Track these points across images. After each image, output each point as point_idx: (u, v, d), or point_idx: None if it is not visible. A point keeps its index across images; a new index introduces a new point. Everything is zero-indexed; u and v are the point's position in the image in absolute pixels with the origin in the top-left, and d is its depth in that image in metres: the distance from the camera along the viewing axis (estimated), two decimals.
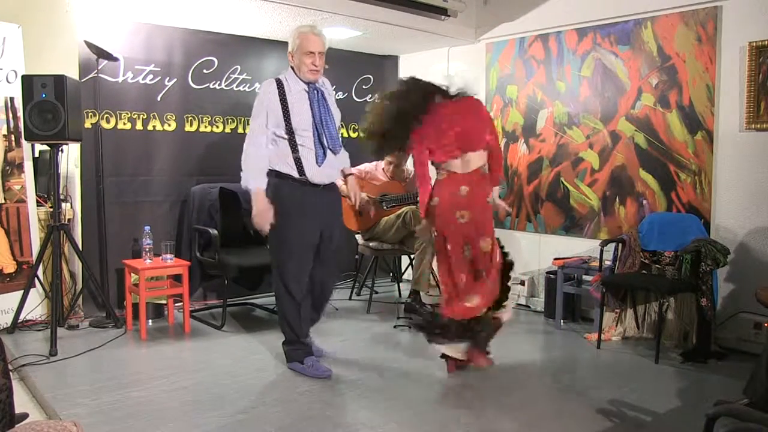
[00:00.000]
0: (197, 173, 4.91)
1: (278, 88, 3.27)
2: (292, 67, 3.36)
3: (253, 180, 3.23)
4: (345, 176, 3.57)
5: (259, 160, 3.25)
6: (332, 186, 3.46)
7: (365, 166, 5.05)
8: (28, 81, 3.82)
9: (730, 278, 4.00)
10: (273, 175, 3.30)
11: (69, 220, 4.35)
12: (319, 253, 3.41)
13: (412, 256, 4.97)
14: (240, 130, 5.10)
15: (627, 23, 4.45)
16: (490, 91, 5.33)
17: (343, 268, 5.79)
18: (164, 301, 4.50)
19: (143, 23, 4.62)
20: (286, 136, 3.25)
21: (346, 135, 5.82)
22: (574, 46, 4.76)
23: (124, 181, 4.63)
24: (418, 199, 4.81)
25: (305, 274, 3.38)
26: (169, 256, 4.28)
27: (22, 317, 4.10)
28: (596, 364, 3.77)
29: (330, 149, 3.33)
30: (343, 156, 3.54)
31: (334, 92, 5.59)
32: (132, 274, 4.29)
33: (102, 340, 3.96)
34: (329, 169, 3.36)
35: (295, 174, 3.27)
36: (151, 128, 4.73)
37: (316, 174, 3.30)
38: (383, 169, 5.03)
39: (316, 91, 3.35)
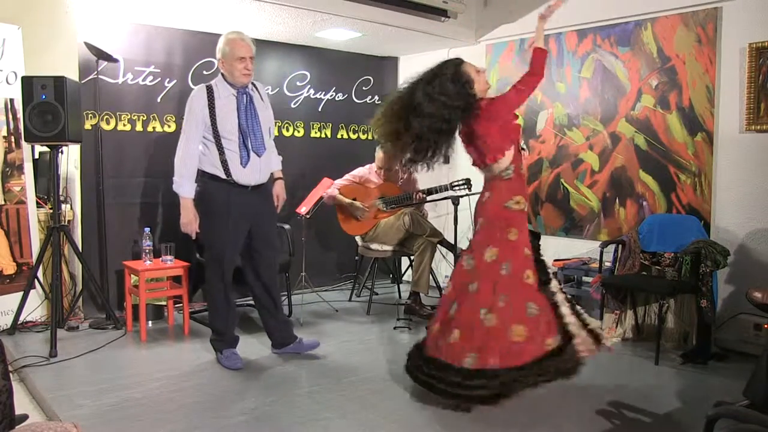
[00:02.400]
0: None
1: (207, 95, 3.45)
2: (222, 74, 3.51)
3: (184, 188, 3.48)
4: (274, 180, 3.76)
5: (191, 167, 3.47)
6: (262, 187, 3.62)
7: (359, 171, 5.06)
8: (27, 82, 3.83)
9: (730, 279, 4.00)
10: (202, 175, 3.51)
11: (69, 221, 4.35)
12: (253, 251, 3.62)
13: (411, 258, 4.97)
14: None
15: (627, 24, 4.45)
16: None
17: (344, 269, 5.82)
18: (164, 303, 4.50)
19: (143, 24, 4.62)
20: (213, 140, 3.44)
21: (346, 136, 5.84)
22: (574, 47, 4.77)
23: (124, 182, 4.63)
24: (415, 199, 4.86)
25: (231, 268, 3.57)
26: (168, 257, 4.28)
27: (22, 318, 4.10)
28: (596, 365, 3.76)
29: (254, 152, 3.48)
30: (274, 159, 3.74)
31: (335, 93, 5.70)
32: (132, 276, 4.29)
33: (102, 342, 3.96)
34: (254, 172, 3.53)
35: (222, 175, 3.46)
36: (151, 129, 4.73)
37: (241, 175, 3.47)
38: (376, 172, 5.04)
39: (244, 96, 3.51)
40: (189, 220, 3.48)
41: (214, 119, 3.41)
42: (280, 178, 3.81)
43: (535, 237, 3.16)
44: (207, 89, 3.46)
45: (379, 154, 5.01)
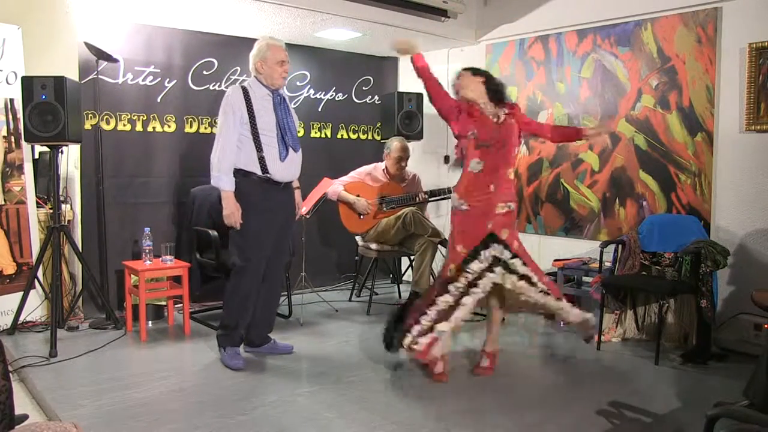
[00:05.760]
0: (197, 174, 4.88)
1: (244, 94, 3.51)
2: (256, 77, 3.60)
3: (224, 181, 3.49)
4: (293, 188, 3.79)
5: (230, 161, 3.49)
6: (289, 185, 3.70)
7: (364, 168, 5.06)
8: (27, 82, 3.83)
9: (730, 280, 4.00)
10: (238, 173, 3.53)
11: (69, 221, 4.35)
12: (273, 247, 3.64)
13: (412, 258, 4.97)
14: None
15: (627, 24, 4.45)
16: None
17: (344, 269, 5.82)
18: (164, 303, 4.50)
19: (143, 24, 4.62)
20: (251, 137, 3.48)
21: (346, 136, 5.84)
22: (574, 47, 4.77)
23: (124, 182, 4.63)
24: (418, 199, 4.87)
25: (262, 266, 3.59)
26: (168, 257, 4.28)
27: (22, 318, 4.10)
28: (596, 365, 3.77)
29: (291, 147, 3.57)
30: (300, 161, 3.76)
31: (335, 93, 5.71)
32: (132, 276, 4.28)
33: (102, 342, 3.96)
34: (291, 167, 3.61)
35: (259, 172, 3.50)
36: (151, 129, 4.73)
37: (279, 171, 3.53)
38: (383, 170, 5.03)
39: (278, 97, 3.61)
40: (231, 212, 3.48)
41: (253, 117, 3.47)
42: (298, 188, 3.84)
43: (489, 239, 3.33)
44: (243, 89, 3.53)
45: (394, 144, 4.95)
